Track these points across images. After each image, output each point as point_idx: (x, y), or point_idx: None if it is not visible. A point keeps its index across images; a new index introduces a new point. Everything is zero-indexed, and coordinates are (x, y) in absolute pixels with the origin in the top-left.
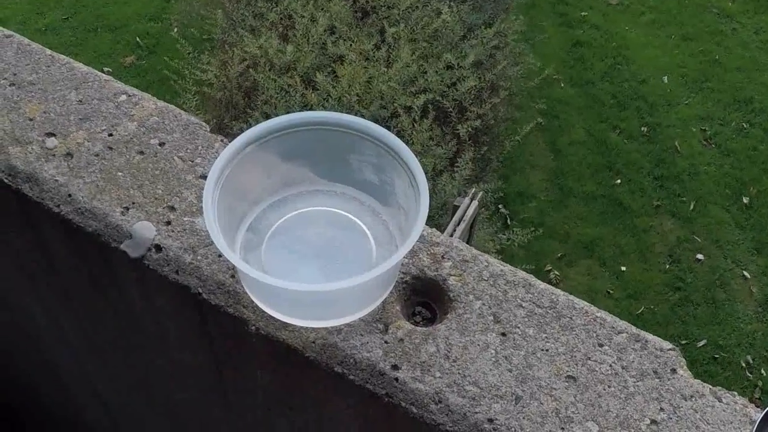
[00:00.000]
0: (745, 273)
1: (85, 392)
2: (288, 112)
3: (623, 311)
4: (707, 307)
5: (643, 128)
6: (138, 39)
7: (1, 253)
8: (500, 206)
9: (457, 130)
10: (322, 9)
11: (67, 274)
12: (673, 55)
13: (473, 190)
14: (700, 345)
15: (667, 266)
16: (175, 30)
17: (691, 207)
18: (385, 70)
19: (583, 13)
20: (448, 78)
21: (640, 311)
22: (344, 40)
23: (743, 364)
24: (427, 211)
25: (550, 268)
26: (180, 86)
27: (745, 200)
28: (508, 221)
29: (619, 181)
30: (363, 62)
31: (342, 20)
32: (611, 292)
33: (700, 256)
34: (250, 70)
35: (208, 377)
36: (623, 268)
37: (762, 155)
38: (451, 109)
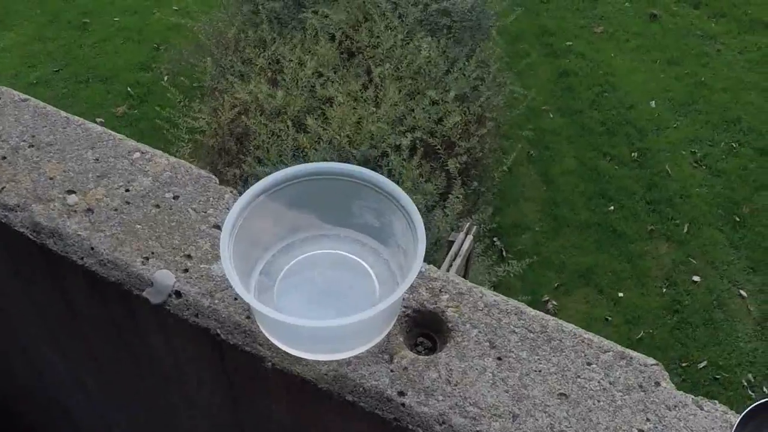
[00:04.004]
0: (742, 292)
1: None
2: (280, 156)
3: (622, 337)
4: (706, 329)
5: (633, 154)
6: (129, 89)
7: (25, 304)
8: (495, 239)
9: (447, 165)
10: (310, 52)
11: (88, 323)
12: (659, 80)
13: (467, 224)
14: (701, 366)
15: (664, 290)
16: (166, 78)
17: (685, 229)
18: (374, 110)
19: (568, 43)
20: (434, 113)
21: (639, 336)
22: (332, 82)
23: (744, 383)
24: (424, 249)
25: (547, 298)
26: (172, 134)
27: (738, 220)
28: (504, 253)
29: (612, 207)
30: (352, 103)
31: (329, 63)
32: (609, 318)
33: (696, 278)
34: (242, 116)
35: (225, 414)
36: (620, 294)
37: (753, 174)
38: (438, 146)
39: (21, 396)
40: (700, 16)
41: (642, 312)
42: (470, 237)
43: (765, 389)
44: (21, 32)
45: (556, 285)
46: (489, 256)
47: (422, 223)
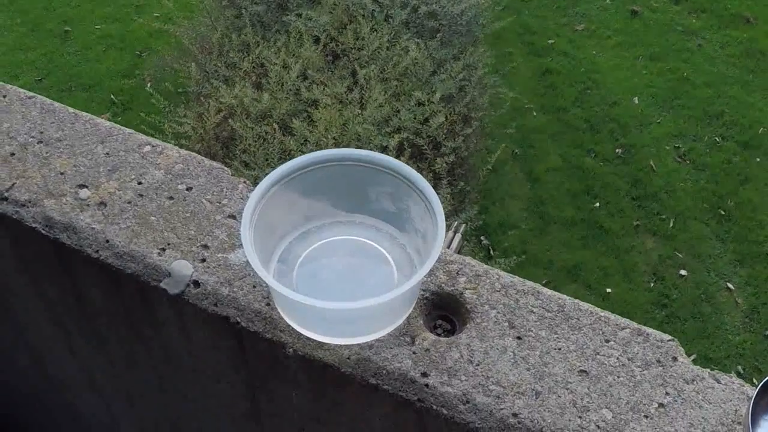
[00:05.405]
0: (729, 285)
1: None
2: (267, 160)
3: None
4: (694, 322)
5: (617, 150)
6: (112, 96)
7: (35, 302)
8: (482, 237)
9: (433, 166)
10: (294, 55)
11: (101, 318)
12: (641, 76)
13: (455, 223)
14: (691, 360)
15: (652, 284)
16: (149, 85)
17: (671, 224)
18: (360, 111)
19: (550, 41)
20: (420, 114)
21: None
22: (317, 84)
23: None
24: (444, 232)
25: None
26: (158, 140)
27: (724, 213)
28: (491, 252)
29: (597, 204)
30: (337, 105)
31: (314, 65)
32: None
33: (683, 272)
34: (227, 120)
35: (241, 405)
36: (608, 290)
37: (737, 167)
38: (425, 146)
39: (27, 398)
40: (680, 12)
41: (630, 307)
42: (459, 236)
43: (755, 381)
44: (2, 42)
45: (544, 282)
46: (476, 254)
47: (441, 207)
